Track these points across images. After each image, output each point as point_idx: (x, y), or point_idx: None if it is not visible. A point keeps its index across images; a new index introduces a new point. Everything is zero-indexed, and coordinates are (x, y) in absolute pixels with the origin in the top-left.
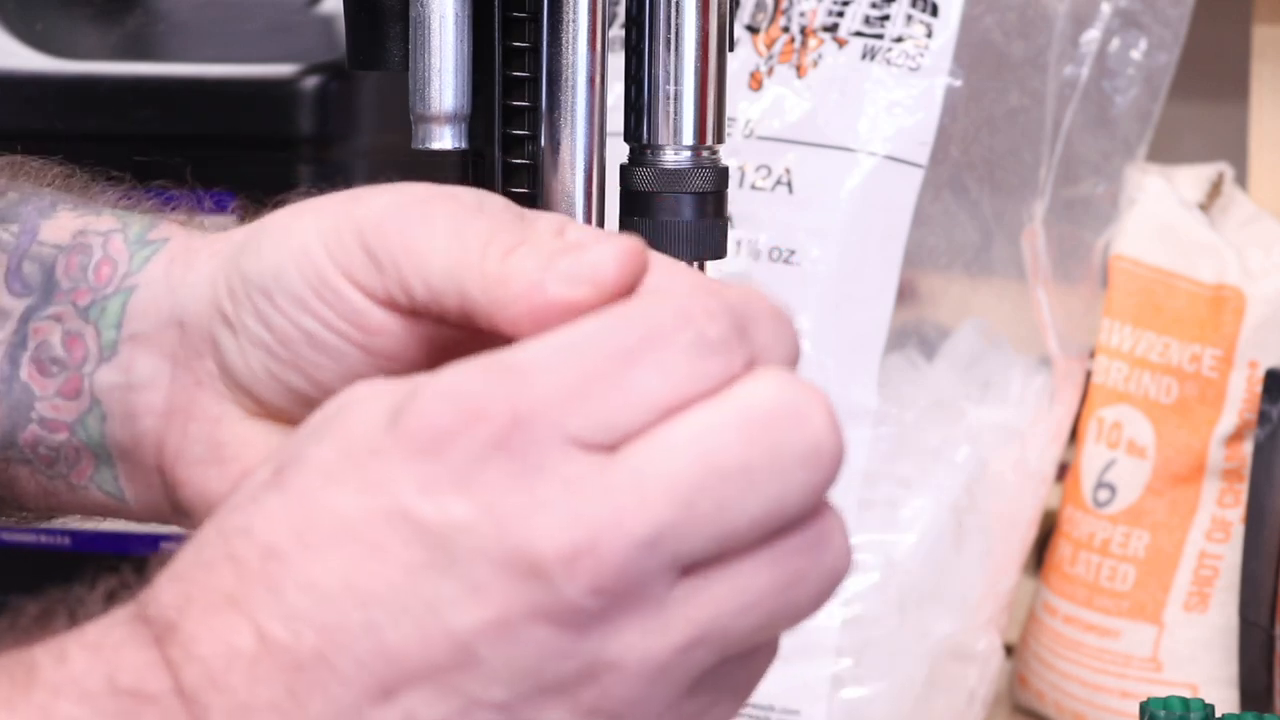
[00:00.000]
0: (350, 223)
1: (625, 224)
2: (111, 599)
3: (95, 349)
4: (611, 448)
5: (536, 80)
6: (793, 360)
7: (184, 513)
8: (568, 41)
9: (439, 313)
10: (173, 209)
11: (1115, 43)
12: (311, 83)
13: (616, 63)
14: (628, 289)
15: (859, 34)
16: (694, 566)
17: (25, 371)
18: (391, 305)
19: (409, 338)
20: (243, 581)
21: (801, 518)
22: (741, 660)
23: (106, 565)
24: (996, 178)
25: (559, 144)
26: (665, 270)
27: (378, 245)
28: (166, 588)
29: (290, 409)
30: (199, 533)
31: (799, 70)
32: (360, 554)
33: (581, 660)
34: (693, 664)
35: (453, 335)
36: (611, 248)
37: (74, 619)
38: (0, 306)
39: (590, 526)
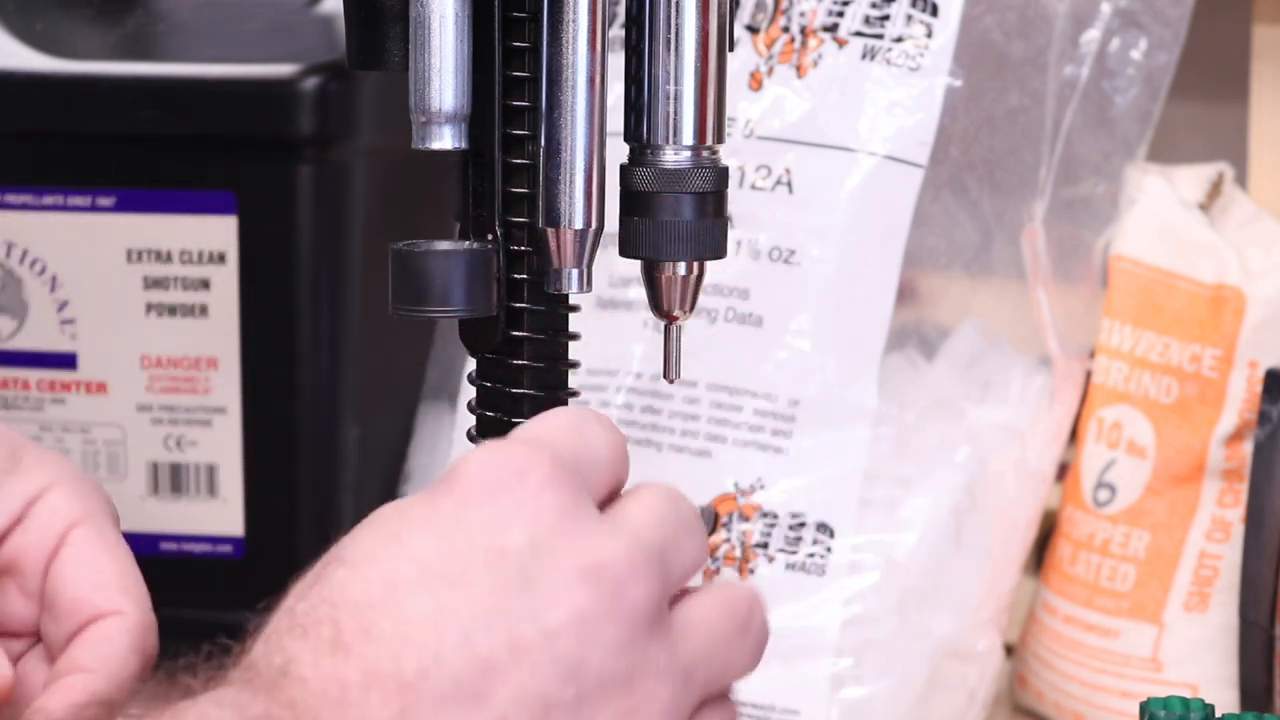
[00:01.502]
0: None
1: (625, 224)
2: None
3: None
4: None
5: (536, 80)
6: (699, 559)
7: None
8: (568, 41)
9: None
10: None
11: (1115, 43)
12: (311, 83)
13: (616, 63)
14: None
15: (859, 34)
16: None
17: None
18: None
19: None
20: (341, 632)
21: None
22: (715, 708)
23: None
24: (996, 178)
25: (559, 144)
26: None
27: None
28: (266, 655)
29: None
30: (274, 618)
31: (799, 70)
32: (445, 585)
33: (631, 660)
34: (694, 690)
35: None
36: None
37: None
38: None
39: (640, 544)
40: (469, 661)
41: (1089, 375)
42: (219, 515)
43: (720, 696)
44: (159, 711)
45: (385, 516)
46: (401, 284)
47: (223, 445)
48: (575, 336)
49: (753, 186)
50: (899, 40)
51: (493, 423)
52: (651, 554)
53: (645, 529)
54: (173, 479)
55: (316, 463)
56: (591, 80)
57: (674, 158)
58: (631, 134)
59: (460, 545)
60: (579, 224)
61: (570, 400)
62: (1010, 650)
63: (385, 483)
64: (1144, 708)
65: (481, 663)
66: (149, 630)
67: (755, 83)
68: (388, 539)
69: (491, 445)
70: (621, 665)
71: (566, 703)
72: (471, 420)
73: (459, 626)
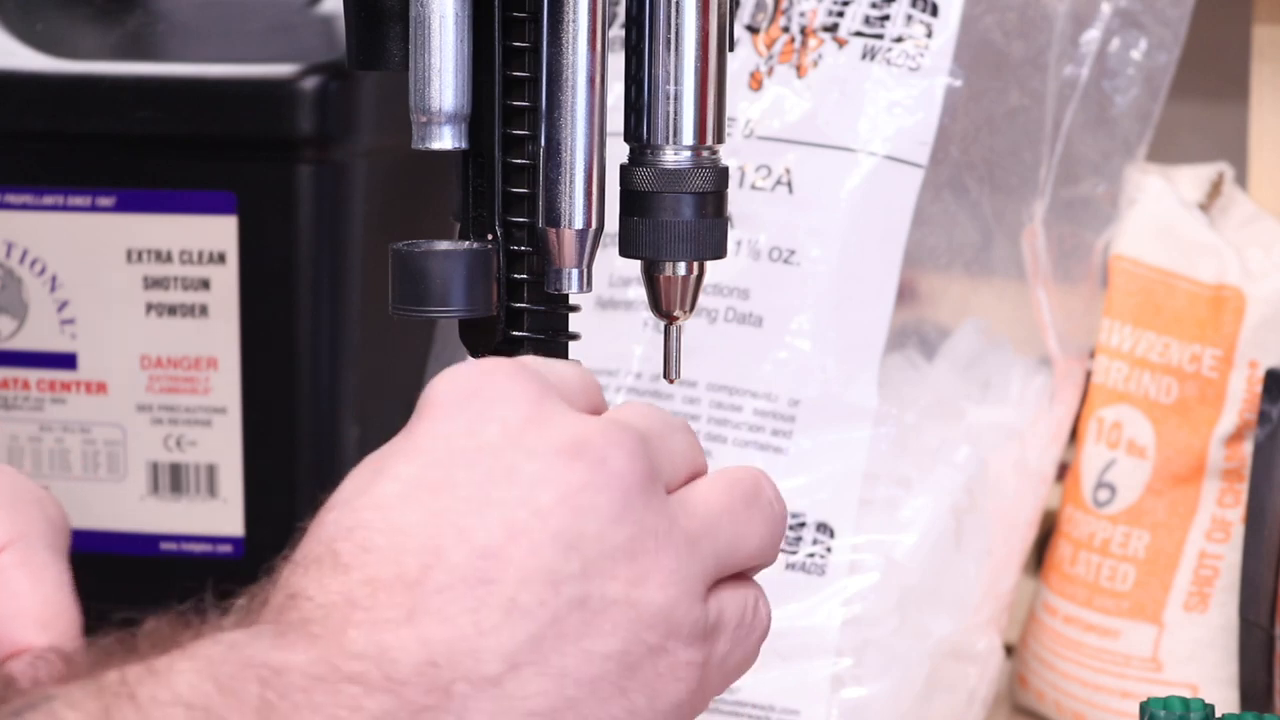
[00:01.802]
0: None
1: (625, 224)
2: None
3: None
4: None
5: (536, 80)
6: (694, 456)
7: None
8: (568, 41)
9: None
10: None
11: (1115, 43)
12: (311, 83)
13: (616, 63)
14: None
15: (859, 34)
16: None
17: None
18: None
19: None
20: (339, 556)
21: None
22: (735, 587)
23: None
24: (996, 178)
25: (559, 144)
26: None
27: None
28: (271, 594)
29: None
30: (283, 564)
31: (799, 70)
32: (431, 494)
33: (628, 528)
34: (704, 561)
35: None
36: None
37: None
38: None
39: (618, 425)
40: (468, 552)
41: (1089, 375)
42: (219, 515)
43: (740, 577)
44: (167, 647)
45: (367, 460)
46: (401, 284)
47: (223, 445)
48: (575, 336)
49: (753, 186)
50: (899, 40)
51: None
52: (632, 433)
53: (624, 418)
54: (173, 479)
55: (316, 463)
56: (591, 80)
57: (674, 158)
58: (631, 134)
59: (439, 456)
60: (579, 224)
61: None
62: (1010, 650)
63: None
64: (1144, 708)
65: (481, 551)
66: None
67: (755, 83)
68: (370, 475)
69: (453, 366)
70: (620, 534)
71: (573, 575)
72: None
73: (452, 524)
